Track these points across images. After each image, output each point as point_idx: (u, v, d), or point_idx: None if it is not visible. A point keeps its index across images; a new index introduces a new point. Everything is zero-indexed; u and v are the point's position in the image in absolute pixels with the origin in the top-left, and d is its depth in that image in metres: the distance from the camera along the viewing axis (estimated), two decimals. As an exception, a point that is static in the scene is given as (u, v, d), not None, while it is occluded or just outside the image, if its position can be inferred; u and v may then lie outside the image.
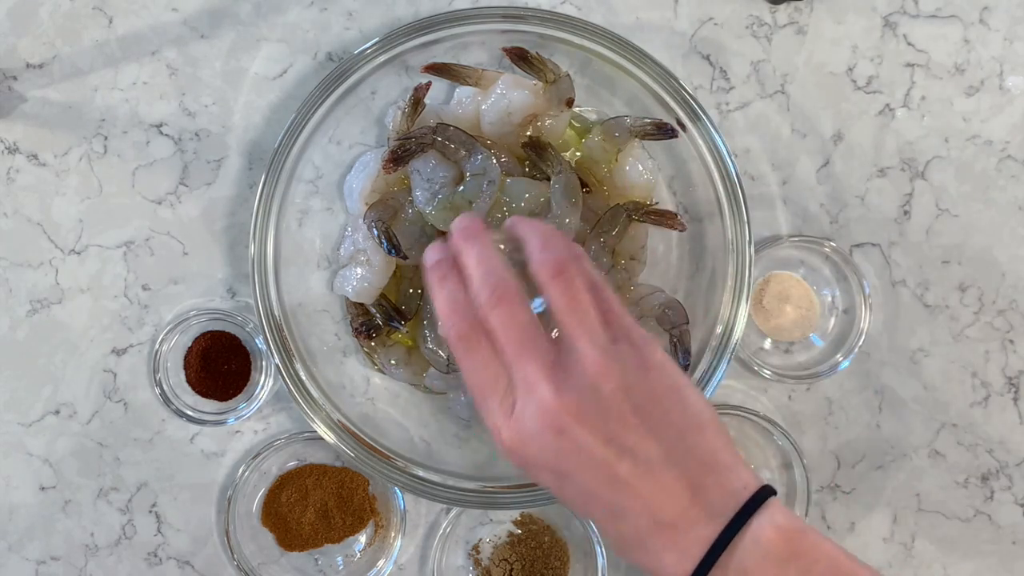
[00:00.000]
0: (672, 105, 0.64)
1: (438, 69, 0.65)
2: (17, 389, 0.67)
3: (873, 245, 0.69)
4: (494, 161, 0.62)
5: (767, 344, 0.69)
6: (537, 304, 0.46)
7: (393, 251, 0.62)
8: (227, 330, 0.68)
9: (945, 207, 0.69)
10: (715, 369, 0.63)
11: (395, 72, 0.67)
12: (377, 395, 0.68)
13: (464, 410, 0.66)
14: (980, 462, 0.69)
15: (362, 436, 0.64)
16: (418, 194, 0.63)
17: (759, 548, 0.41)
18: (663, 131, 0.64)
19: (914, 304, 0.69)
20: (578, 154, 0.66)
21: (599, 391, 0.42)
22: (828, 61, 0.69)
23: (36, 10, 0.67)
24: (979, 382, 0.69)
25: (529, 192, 0.63)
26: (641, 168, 0.66)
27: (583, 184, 0.64)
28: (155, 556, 0.68)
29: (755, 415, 0.66)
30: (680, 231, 0.66)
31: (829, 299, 0.69)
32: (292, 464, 0.68)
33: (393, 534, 0.67)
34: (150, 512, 0.68)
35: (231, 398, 0.68)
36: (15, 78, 0.67)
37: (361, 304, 0.66)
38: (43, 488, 0.67)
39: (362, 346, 0.67)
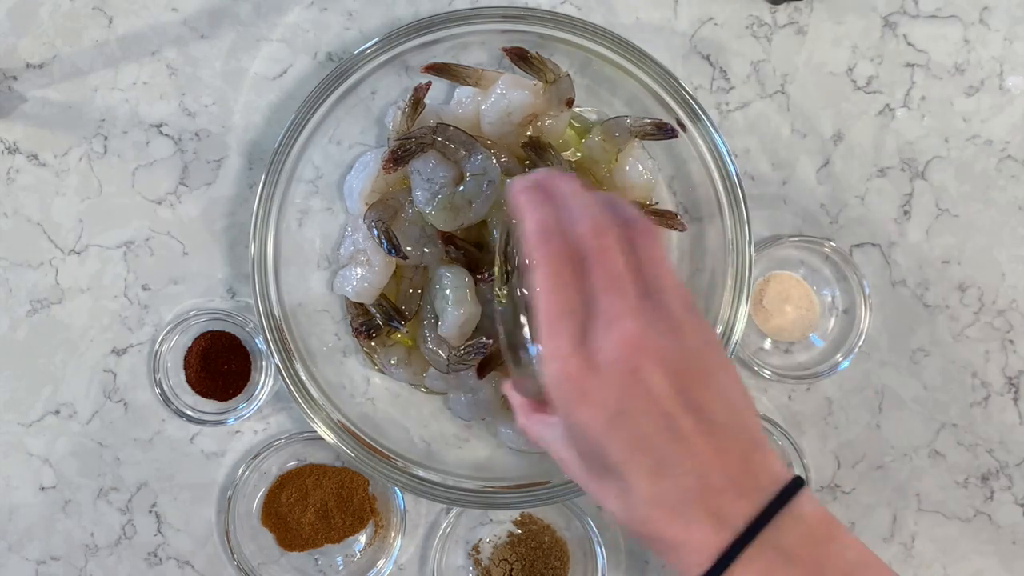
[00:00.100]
0: (672, 105, 0.64)
1: (438, 69, 0.65)
2: (17, 389, 0.67)
3: (873, 245, 0.69)
4: (494, 161, 0.62)
5: (767, 344, 0.69)
6: None
7: (393, 251, 0.62)
8: (227, 330, 0.68)
9: (945, 207, 0.69)
10: (715, 369, 0.63)
11: (395, 72, 0.67)
12: (377, 395, 0.68)
13: (464, 410, 0.66)
14: (980, 462, 0.69)
15: (362, 436, 0.64)
16: (418, 194, 0.63)
17: (800, 526, 0.41)
18: (663, 131, 0.64)
19: (914, 304, 0.69)
20: (578, 154, 0.66)
21: (683, 340, 0.42)
22: (828, 61, 0.69)
23: (36, 10, 0.67)
24: (979, 382, 0.69)
25: (529, 192, 0.63)
26: (641, 168, 0.66)
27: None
28: (155, 556, 0.68)
29: (755, 415, 0.66)
30: (680, 231, 0.66)
31: (829, 299, 0.69)
32: (292, 464, 0.68)
33: (393, 534, 0.67)
34: (150, 512, 0.68)
35: (231, 398, 0.68)
36: (15, 78, 0.67)
37: (361, 304, 0.66)
38: (43, 488, 0.67)
39: (362, 346, 0.67)
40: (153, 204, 0.68)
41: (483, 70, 0.65)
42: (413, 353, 0.67)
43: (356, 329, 0.65)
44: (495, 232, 0.63)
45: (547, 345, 0.42)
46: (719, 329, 0.64)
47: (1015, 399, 0.69)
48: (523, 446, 0.66)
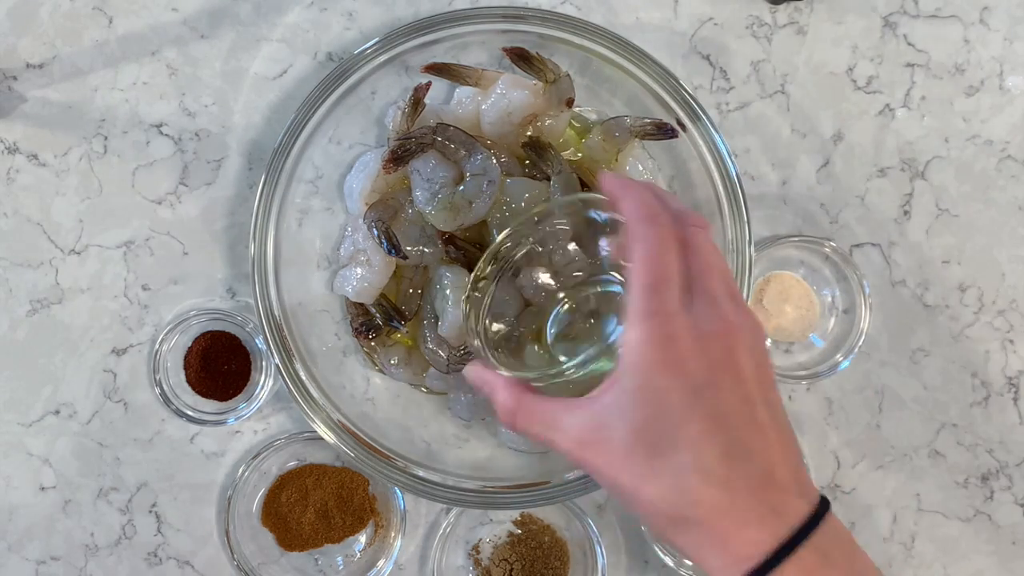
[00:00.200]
0: (672, 105, 0.64)
1: (438, 69, 0.65)
2: (17, 389, 0.67)
3: (873, 245, 0.69)
4: (494, 161, 0.62)
5: (767, 344, 0.69)
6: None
7: (393, 251, 0.62)
8: (227, 330, 0.68)
9: (945, 207, 0.69)
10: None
11: (395, 72, 0.67)
12: (377, 395, 0.68)
13: (464, 410, 0.66)
14: (980, 462, 0.69)
15: (362, 436, 0.64)
16: (418, 194, 0.63)
17: (832, 531, 0.42)
18: (663, 131, 0.64)
19: (914, 304, 0.69)
20: (578, 154, 0.66)
21: (760, 341, 0.44)
22: (828, 61, 0.69)
23: (36, 10, 0.67)
24: (979, 382, 0.69)
25: (529, 192, 0.63)
26: (641, 168, 0.66)
27: (583, 184, 0.64)
28: (155, 556, 0.68)
29: (755, 415, 0.66)
30: (680, 231, 0.66)
31: (829, 299, 0.69)
32: (292, 464, 0.68)
33: (393, 534, 0.67)
34: (150, 512, 0.68)
35: (231, 398, 0.68)
36: (15, 78, 0.67)
37: (361, 304, 0.66)
38: (43, 488, 0.67)
39: (362, 346, 0.67)
40: (153, 204, 0.68)
41: (483, 70, 0.65)
42: (413, 353, 0.67)
43: (356, 329, 0.65)
44: (495, 232, 0.63)
45: (650, 302, 0.43)
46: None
47: (1015, 399, 0.69)
48: (523, 446, 0.66)
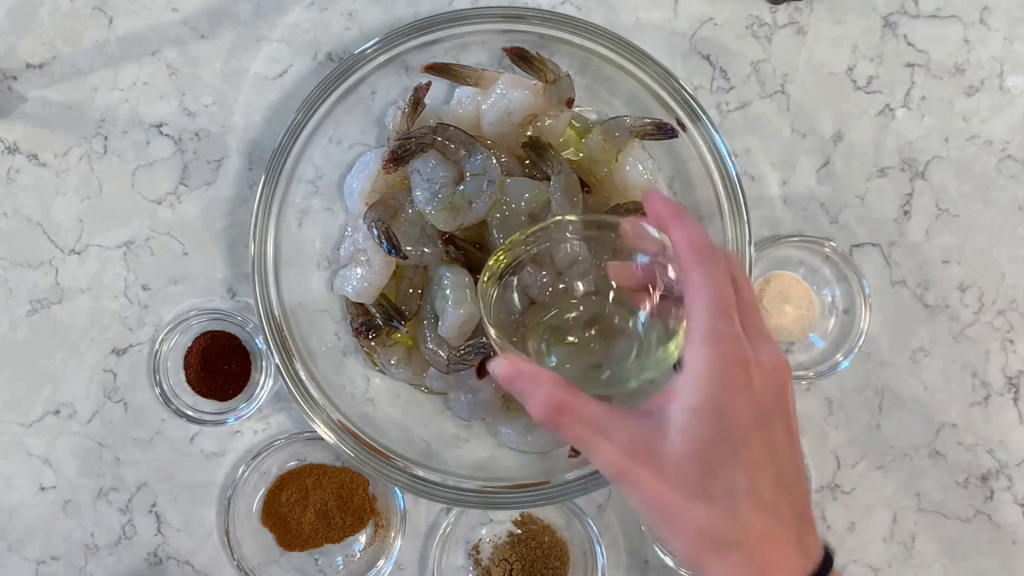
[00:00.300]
0: (672, 105, 0.64)
1: (438, 69, 0.65)
2: (17, 389, 0.67)
3: (873, 245, 0.69)
4: (494, 161, 0.62)
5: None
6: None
7: (393, 251, 0.62)
8: (227, 330, 0.68)
9: (945, 207, 0.69)
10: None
11: (395, 72, 0.67)
12: (377, 395, 0.68)
13: (464, 410, 0.66)
14: (980, 462, 0.69)
15: (362, 436, 0.64)
16: (418, 194, 0.63)
17: (831, 563, 0.44)
18: (663, 131, 0.64)
19: (914, 304, 0.69)
20: (579, 154, 0.66)
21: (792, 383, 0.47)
22: (828, 61, 0.69)
23: (36, 10, 0.67)
24: (979, 382, 0.69)
25: (529, 192, 0.63)
26: (641, 168, 0.66)
27: (583, 184, 0.64)
28: (155, 556, 0.68)
29: (755, 415, 0.66)
30: (680, 231, 0.66)
31: (829, 299, 0.69)
32: (292, 464, 0.68)
33: (393, 534, 0.67)
34: (150, 512, 0.68)
35: (231, 398, 0.68)
36: (15, 78, 0.67)
37: (361, 304, 0.66)
38: (43, 488, 0.67)
39: (362, 346, 0.67)
40: (153, 204, 0.68)
41: (483, 70, 0.65)
42: (413, 353, 0.67)
43: (356, 329, 0.65)
44: (495, 232, 0.63)
45: (718, 325, 0.44)
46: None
47: (1015, 399, 0.69)
48: (523, 446, 0.66)
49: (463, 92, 0.66)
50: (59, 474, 0.67)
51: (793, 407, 0.46)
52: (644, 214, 0.64)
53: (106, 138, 0.67)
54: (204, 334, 0.68)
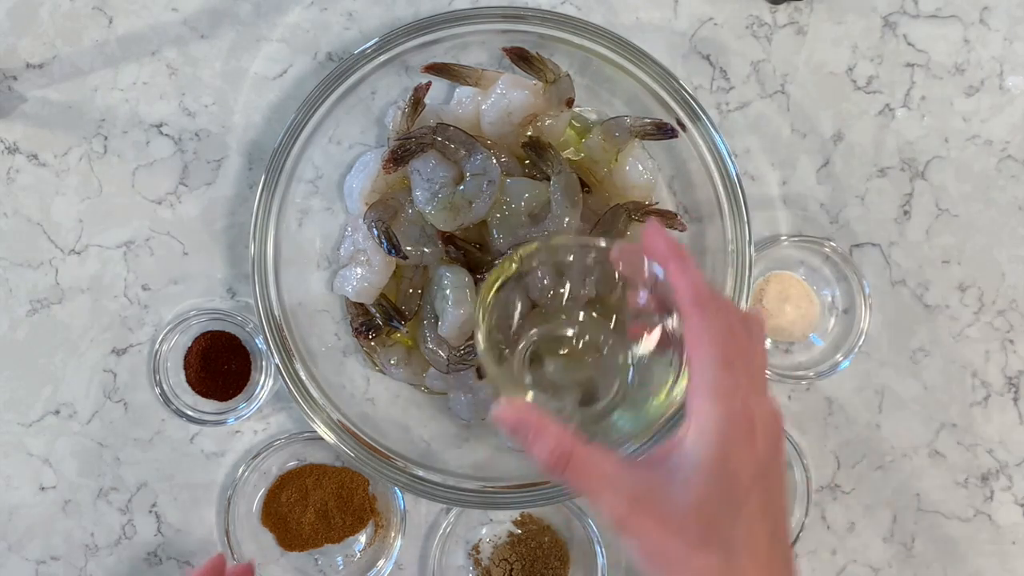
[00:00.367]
0: (672, 105, 0.64)
1: (438, 69, 0.65)
2: (17, 389, 0.67)
3: (873, 245, 0.69)
4: (494, 161, 0.62)
5: (767, 344, 0.69)
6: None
7: (393, 251, 0.62)
8: (227, 330, 0.68)
9: (945, 207, 0.69)
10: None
11: (395, 72, 0.67)
12: (377, 395, 0.68)
13: (464, 410, 0.66)
14: (980, 462, 0.69)
15: (362, 436, 0.64)
16: (418, 194, 0.63)
17: None
18: (663, 131, 0.64)
19: (914, 304, 0.69)
20: (579, 154, 0.66)
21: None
22: (828, 61, 0.69)
23: (36, 10, 0.67)
24: (979, 382, 0.69)
25: (529, 192, 0.63)
26: (641, 168, 0.66)
27: (583, 184, 0.64)
28: (155, 556, 0.68)
29: (755, 415, 0.66)
30: (680, 231, 0.66)
31: (829, 299, 0.69)
32: (292, 464, 0.68)
33: (393, 534, 0.67)
34: (150, 512, 0.68)
35: (231, 398, 0.68)
36: (15, 78, 0.67)
37: (361, 304, 0.66)
38: (43, 488, 0.67)
39: (362, 346, 0.67)
40: (153, 204, 0.68)
41: (483, 70, 0.65)
42: (413, 353, 0.67)
43: (356, 329, 0.65)
44: (495, 232, 0.63)
45: (725, 379, 0.44)
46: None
47: (1015, 399, 0.69)
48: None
49: (463, 92, 0.66)
50: (59, 474, 0.67)
51: (785, 456, 0.47)
52: (645, 215, 0.64)
53: (106, 138, 0.67)
54: (204, 334, 0.68)
